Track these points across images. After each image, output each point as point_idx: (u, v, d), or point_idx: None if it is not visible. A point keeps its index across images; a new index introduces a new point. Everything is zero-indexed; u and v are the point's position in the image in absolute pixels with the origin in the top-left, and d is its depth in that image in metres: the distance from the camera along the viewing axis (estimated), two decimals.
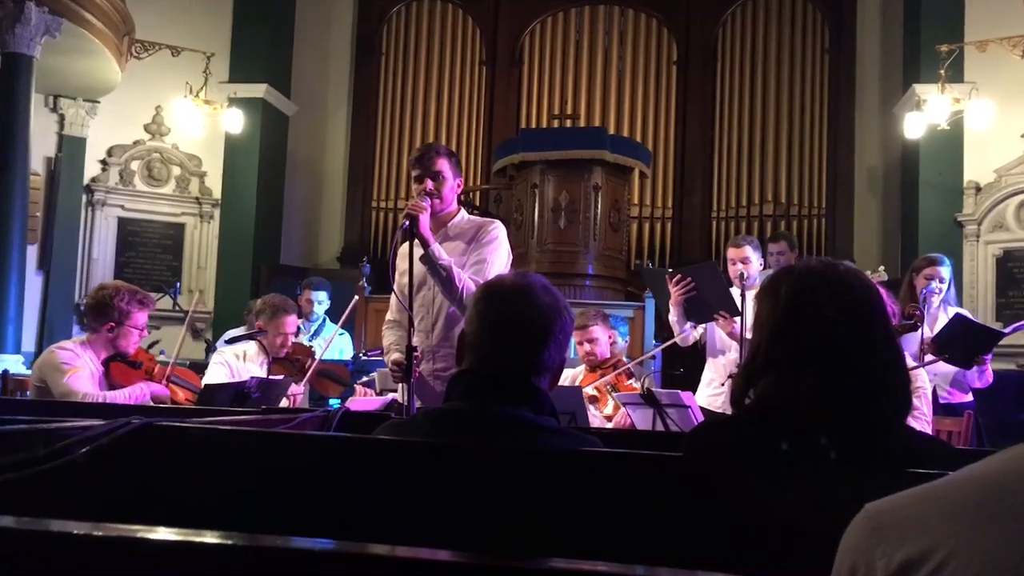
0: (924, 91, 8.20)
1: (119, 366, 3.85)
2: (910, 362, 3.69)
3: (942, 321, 4.62)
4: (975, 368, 4.41)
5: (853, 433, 1.39)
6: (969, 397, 4.64)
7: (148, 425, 1.64)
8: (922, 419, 3.37)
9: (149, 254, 9.36)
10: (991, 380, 4.55)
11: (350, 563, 0.73)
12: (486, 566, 0.71)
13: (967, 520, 0.73)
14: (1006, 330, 4.81)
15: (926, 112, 7.93)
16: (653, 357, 5.54)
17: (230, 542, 0.74)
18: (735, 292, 4.47)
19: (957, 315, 4.51)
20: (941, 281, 4.62)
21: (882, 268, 7.78)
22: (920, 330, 4.34)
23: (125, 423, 1.62)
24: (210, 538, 0.75)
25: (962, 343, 4.38)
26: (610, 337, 4.59)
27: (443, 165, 3.45)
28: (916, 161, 8.62)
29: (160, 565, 0.75)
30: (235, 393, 3.82)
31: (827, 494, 0.83)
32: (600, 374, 4.44)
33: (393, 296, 3.65)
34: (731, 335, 4.37)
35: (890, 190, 9.71)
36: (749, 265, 4.56)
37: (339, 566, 0.73)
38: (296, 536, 0.78)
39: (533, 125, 10.01)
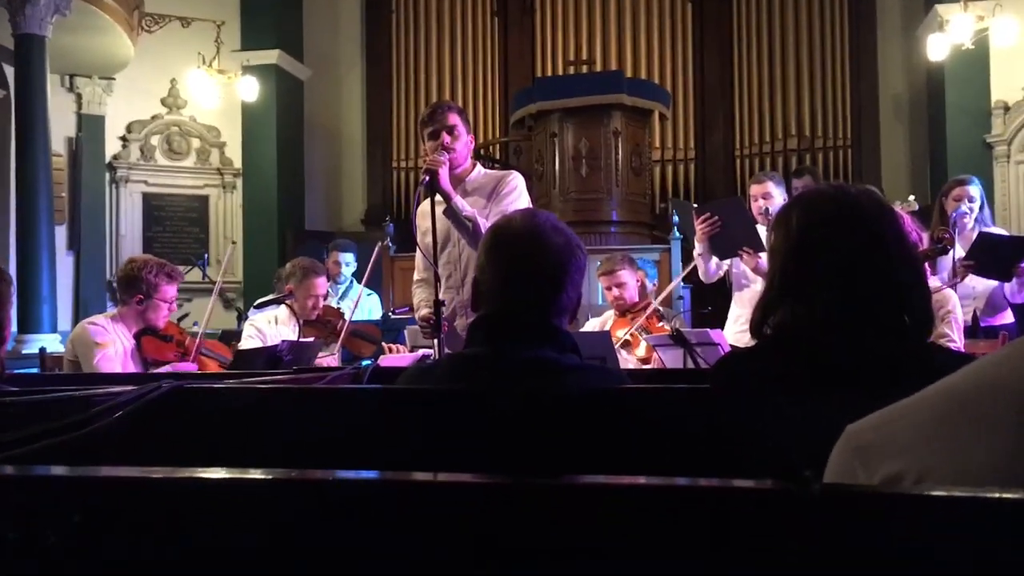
0: (946, 11, 7.98)
1: (150, 340, 3.88)
2: (937, 284, 3.64)
3: None
4: (1016, 280, 4.32)
5: (872, 355, 1.38)
6: (1010, 318, 4.56)
7: (178, 388, 1.66)
8: (952, 345, 3.31)
9: (175, 228, 9.45)
10: None
11: (395, 490, 0.74)
12: (532, 486, 0.71)
13: (940, 432, 0.74)
14: None
15: (949, 32, 7.70)
16: (681, 298, 5.52)
17: (278, 477, 0.75)
18: (762, 230, 4.42)
19: (980, 233, 4.42)
20: (971, 200, 4.54)
21: (912, 197, 7.66)
22: (951, 253, 4.27)
23: (155, 387, 1.64)
24: (256, 474, 0.76)
25: (993, 258, 4.29)
26: (638, 280, 4.57)
27: (455, 119, 3.43)
28: (942, 84, 8.44)
29: (209, 503, 0.77)
30: (267, 357, 3.85)
31: (848, 416, 0.82)
32: (631, 318, 4.42)
33: (418, 254, 3.65)
34: (756, 271, 4.33)
35: (917, 116, 9.53)
36: (771, 200, 4.50)
37: (384, 494, 0.74)
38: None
39: (549, 74, 9.89)
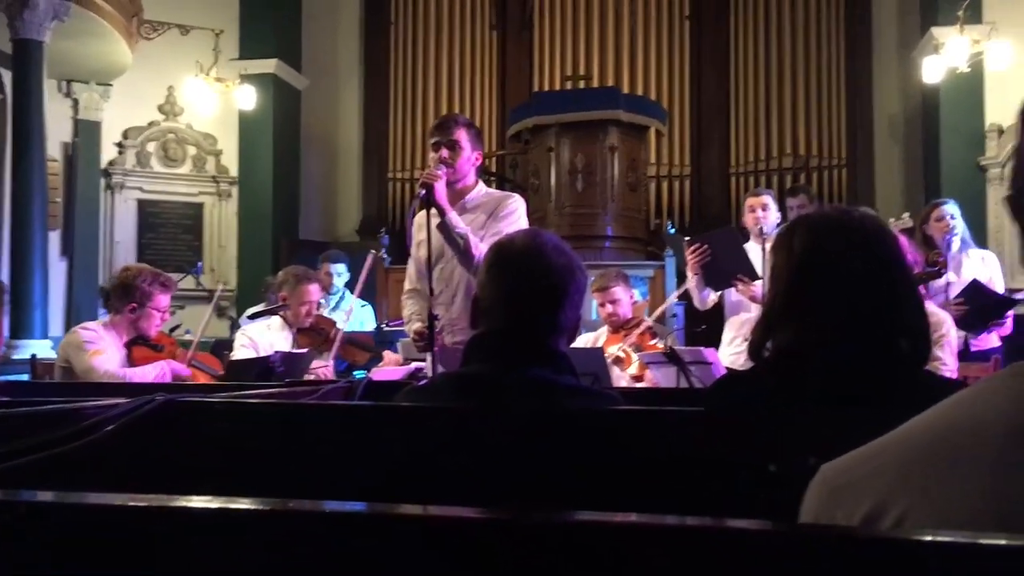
0: (942, 34, 8.04)
1: (141, 349, 3.87)
2: (933, 308, 3.66)
3: (966, 265, 4.61)
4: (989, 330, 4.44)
5: (872, 379, 1.38)
6: (997, 342, 4.60)
7: (171, 401, 1.65)
8: (945, 369, 3.32)
9: (170, 235, 9.42)
10: (1011, 328, 4.55)
11: (382, 524, 0.73)
12: (521, 523, 0.70)
13: (920, 472, 0.72)
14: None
15: (944, 55, 7.77)
16: (675, 316, 5.52)
17: (263, 507, 0.74)
18: (756, 248, 4.42)
19: (973, 281, 4.46)
20: (952, 219, 4.62)
21: (907, 215, 7.70)
22: (945, 277, 4.31)
23: (149, 400, 1.63)
24: (243, 504, 0.75)
25: (975, 310, 4.36)
26: (631, 297, 4.57)
27: (461, 135, 3.42)
28: (937, 106, 8.48)
29: (195, 532, 0.76)
30: (260, 369, 3.84)
31: (850, 440, 0.82)
32: (623, 335, 4.42)
33: (410, 265, 3.64)
34: (752, 299, 4.32)
35: (911, 137, 9.57)
36: (768, 212, 4.53)
37: (372, 527, 0.73)
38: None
39: (546, 88, 9.91)
